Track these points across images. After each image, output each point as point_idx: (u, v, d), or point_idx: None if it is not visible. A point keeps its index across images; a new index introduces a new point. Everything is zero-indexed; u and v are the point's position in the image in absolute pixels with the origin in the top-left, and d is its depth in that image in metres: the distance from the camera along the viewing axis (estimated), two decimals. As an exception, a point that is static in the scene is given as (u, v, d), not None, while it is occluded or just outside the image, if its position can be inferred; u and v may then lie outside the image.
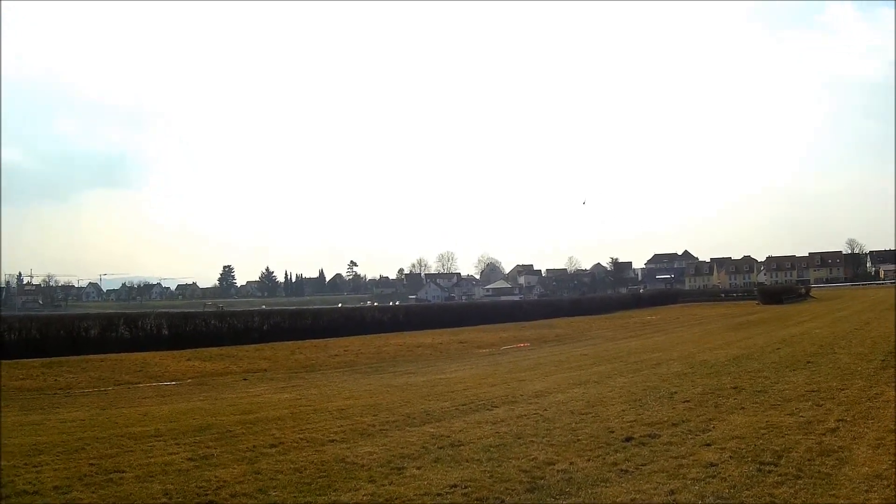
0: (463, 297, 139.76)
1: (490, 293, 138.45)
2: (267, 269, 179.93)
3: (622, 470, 6.82)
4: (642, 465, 6.94)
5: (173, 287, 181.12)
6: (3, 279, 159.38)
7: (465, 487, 6.43)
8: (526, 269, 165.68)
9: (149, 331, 29.00)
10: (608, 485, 6.37)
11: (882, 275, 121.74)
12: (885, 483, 6.07)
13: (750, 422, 8.82)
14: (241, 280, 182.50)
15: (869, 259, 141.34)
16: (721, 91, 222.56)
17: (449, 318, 44.07)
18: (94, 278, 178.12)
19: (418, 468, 7.24)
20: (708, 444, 7.70)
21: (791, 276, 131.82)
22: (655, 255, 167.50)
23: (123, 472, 7.43)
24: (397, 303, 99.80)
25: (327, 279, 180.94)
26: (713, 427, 8.63)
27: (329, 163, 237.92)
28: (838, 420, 8.66)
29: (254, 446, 8.64)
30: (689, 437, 8.17)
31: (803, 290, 70.19)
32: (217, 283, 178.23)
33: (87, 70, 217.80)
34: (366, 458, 7.80)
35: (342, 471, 7.25)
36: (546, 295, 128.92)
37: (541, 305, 67.62)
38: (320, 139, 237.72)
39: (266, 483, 6.86)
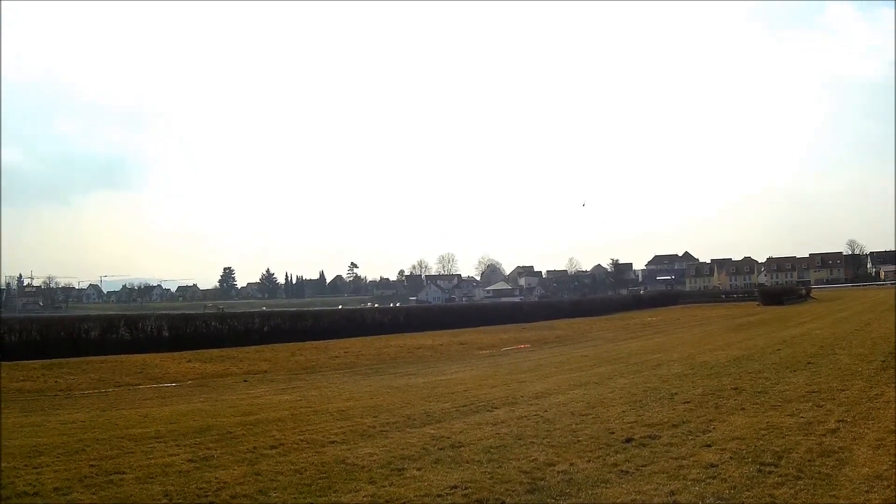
0: (463, 299, 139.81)
1: (490, 294, 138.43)
2: (267, 271, 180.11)
3: (622, 471, 6.82)
4: (643, 466, 6.94)
5: (174, 289, 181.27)
6: (3, 281, 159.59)
7: (466, 488, 6.43)
8: (526, 271, 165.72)
9: (149, 332, 29.03)
10: (608, 486, 6.37)
11: (882, 276, 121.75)
12: (886, 484, 6.06)
13: (750, 423, 8.81)
14: (241, 282, 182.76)
15: (869, 260, 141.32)
16: (721, 91, 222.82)
17: (449, 320, 44.08)
18: (95, 280, 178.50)
19: (418, 469, 7.24)
20: (708, 445, 7.70)
21: (791, 277, 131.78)
22: (656, 256, 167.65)
23: (124, 473, 7.43)
24: (398, 304, 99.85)
25: (328, 281, 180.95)
26: (713, 428, 8.63)
27: (329, 164, 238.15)
28: (839, 421, 8.66)
29: (254, 448, 8.64)
30: (690, 437, 8.17)
31: (804, 291, 70.17)
32: (217, 284, 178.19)
33: (86, 70, 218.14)
34: (366, 459, 7.80)
35: (342, 472, 7.25)
36: (546, 296, 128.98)
37: (541, 307, 67.68)
38: (320, 140, 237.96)
39: (266, 484, 6.86)
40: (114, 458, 8.26)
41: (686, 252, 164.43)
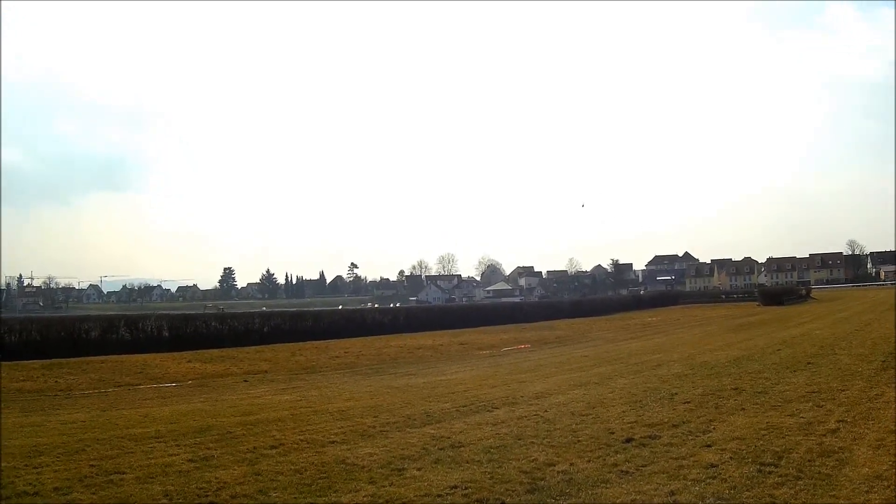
0: (463, 299, 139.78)
1: (490, 295, 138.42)
2: (267, 271, 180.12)
3: (622, 471, 6.82)
4: (643, 467, 6.94)
5: (174, 289, 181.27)
6: (3, 281, 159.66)
7: (466, 488, 6.43)
8: (526, 271, 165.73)
9: (149, 332, 29.05)
10: (608, 486, 6.37)
11: (882, 276, 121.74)
12: (886, 484, 6.06)
13: (750, 423, 8.81)
14: (241, 282, 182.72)
15: (869, 260, 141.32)
16: (721, 91, 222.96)
17: (449, 320, 44.11)
18: (95, 280, 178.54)
19: (419, 469, 7.24)
20: (708, 445, 7.70)
21: (791, 277, 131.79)
22: (656, 256, 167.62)
23: (124, 473, 7.43)
24: (398, 304, 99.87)
25: (328, 281, 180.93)
26: (713, 428, 8.63)
27: (329, 164, 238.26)
28: (839, 421, 8.66)
29: (254, 448, 8.64)
30: (690, 438, 8.17)
31: (804, 292, 70.18)
32: (217, 284, 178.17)
33: (86, 70, 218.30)
34: (366, 459, 7.81)
35: (342, 472, 7.25)
36: (546, 296, 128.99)
37: (541, 307, 67.73)
38: (321, 140, 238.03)
39: (266, 484, 6.86)
40: (114, 458, 8.26)
41: (686, 252, 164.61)
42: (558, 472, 6.88)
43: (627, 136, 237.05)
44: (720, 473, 6.54)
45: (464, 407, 11.49)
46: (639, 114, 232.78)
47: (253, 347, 27.75)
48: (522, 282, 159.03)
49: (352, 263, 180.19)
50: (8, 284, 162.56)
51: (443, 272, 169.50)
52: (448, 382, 16.19)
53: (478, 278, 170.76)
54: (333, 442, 8.92)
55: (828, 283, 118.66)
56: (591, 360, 20.53)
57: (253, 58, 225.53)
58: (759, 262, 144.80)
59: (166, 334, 29.23)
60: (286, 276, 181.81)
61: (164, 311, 59.69)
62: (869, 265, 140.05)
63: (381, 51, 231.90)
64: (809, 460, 6.89)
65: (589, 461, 7.26)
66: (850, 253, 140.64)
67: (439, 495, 6.30)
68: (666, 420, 9.29)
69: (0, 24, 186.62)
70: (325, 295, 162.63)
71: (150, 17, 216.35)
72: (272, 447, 8.67)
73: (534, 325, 42.67)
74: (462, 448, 8.15)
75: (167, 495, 6.57)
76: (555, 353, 24.63)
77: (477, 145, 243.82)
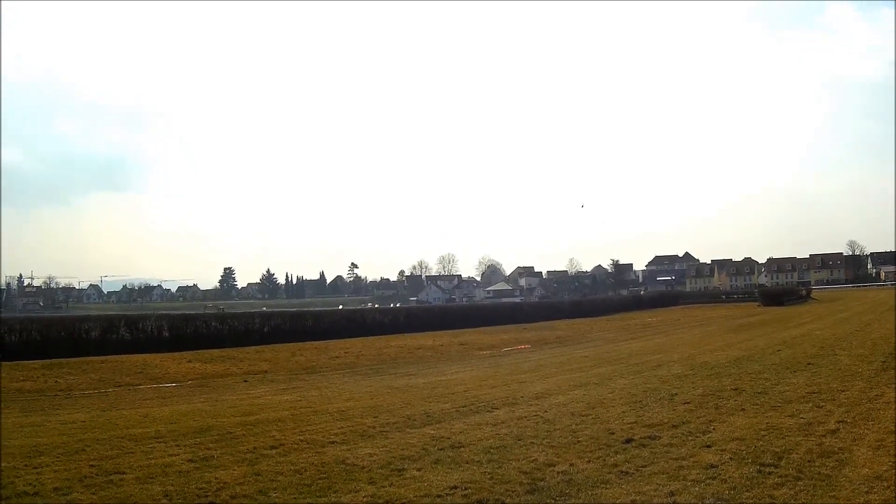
0: (464, 299, 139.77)
1: (491, 295, 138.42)
2: (268, 271, 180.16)
3: (622, 471, 6.82)
4: (642, 467, 6.94)
5: (174, 289, 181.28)
6: (3, 281, 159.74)
7: (466, 489, 6.43)
8: (527, 271, 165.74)
9: (149, 332, 29.05)
10: (608, 486, 6.37)
11: (883, 276, 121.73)
12: (886, 484, 6.07)
13: (750, 423, 8.81)
14: (241, 282, 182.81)
15: (869, 260, 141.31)
16: (721, 91, 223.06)
17: (450, 320, 44.11)
18: (95, 280, 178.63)
19: (418, 470, 7.25)
20: (708, 446, 7.70)
21: (792, 277, 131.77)
22: (656, 256, 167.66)
23: (124, 473, 7.43)
24: (398, 304, 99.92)
25: (328, 281, 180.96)
26: (713, 429, 8.63)
27: (329, 164, 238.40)
28: (839, 421, 8.66)
29: (254, 448, 8.64)
30: (690, 438, 8.17)
31: (804, 292, 70.15)
32: (218, 284, 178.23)
33: (86, 70, 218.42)
34: (366, 459, 7.81)
35: (342, 472, 7.26)
36: (547, 297, 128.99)
37: (541, 307, 67.71)
38: (321, 140, 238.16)
39: (266, 485, 6.86)
40: (114, 458, 8.26)
41: (686, 252, 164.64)
42: (558, 472, 6.88)
43: (627, 136, 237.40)
44: (720, 474, 6.54)
45: (464, 407, 11.49)
46: (639, 114, 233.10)
47: (253, 347, 27.75)
48: (522, 282, 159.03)
49: (352, 263, 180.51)
50: (8, 284, 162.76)
51: (443, 272, 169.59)
52: (448, 383, 16.19)
53: (478, 278, 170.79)
54: (333, 442, 8.93)
55: (828, 283, 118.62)
56: (592, 360, 20.53)
57: (253, 58, 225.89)
58: (760, 262, 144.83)
59: (166, 334, 29.23)
60: (286, 276, 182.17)
61: (165, 311, 59.70)
62: (869, 266, 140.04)
63: (382, 51, 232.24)
64: (809, 461, 6.89)
65: (589, 462, 7.27)
66: (851, 253, 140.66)
67: (439, 496, 6.30)
68: (666, 420, 9.29)
69: (0, 24, 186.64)
70: (326, 295, 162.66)
71: (150, 17, 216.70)
72: (272, 447, 8.67)
73: (534, 326, 42.67)
74: (462, 448, 8.15)
75: (167, 495, 6.58)
76: (555, 354, 24.63)
77: (477, 145, 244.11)
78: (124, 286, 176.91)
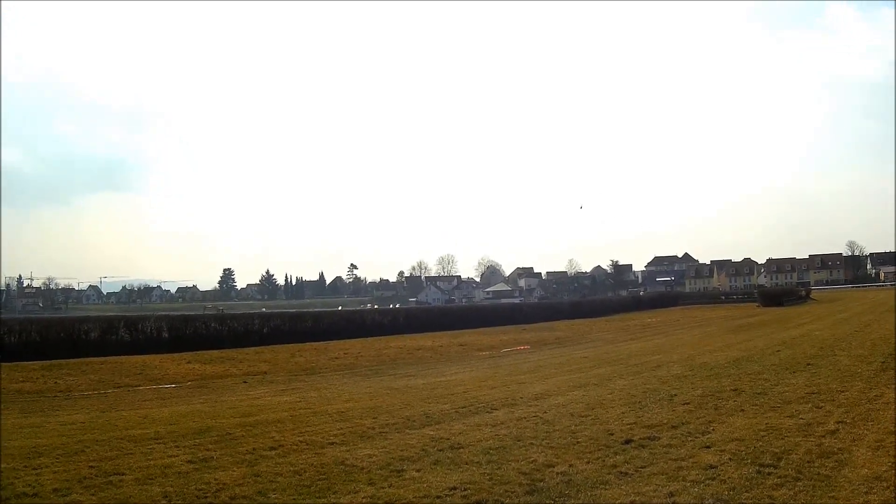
0: (463, 300, 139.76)
1: (490, 296, 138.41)
2: (267, 272, 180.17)
3: (622, 472, 6.82)
4: (642, 468, 6.94)
5: (173, 290, 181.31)
6: (3, 282, 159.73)
7: (465, 490, 6.43)
8: (526, 272, 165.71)
9: (149, 333, 29.02)
10: (608, 487, 6.37)
11: (882, 277, 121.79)
12: (885, 485, 6.07)
13: (750, 424, 8.81)
14: (241, 283, 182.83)
15: (869, 261, 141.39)
16: (721, 91, 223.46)
17: (449, 321, 44.11)
18: (95, 281, 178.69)
19: (418, 471, 7.24)
20: (707, 447, 7.70)
21: (791, 278, 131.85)
22: (656, 257, 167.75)
23: (123, 474, 7.43)
24: (397, 305, 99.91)
25: (327, 282, 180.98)
26: (713, 429, 8.63)
27: (329, 165, 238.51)
28: (838, 422, 8.66)
29: (253, 449, 8.64)
30: (689, 439, 8.17)
31: (803, 293, 70.21)
32: (217, 285, 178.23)
33: (86, 71, 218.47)
34: (365, 460, 7.81)
35: (342, 473, 7.25)
36: (546, 297, 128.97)
37: (541, 308, 67.73)
38: (320, 141, 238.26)
39: (265, 485, 6.86)
40: (113, 459, 8.26)
41: (686, 253, 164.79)
42: (557, 473, 6.88)
43: (627, 136, 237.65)
44: (719, 475, 6.54)
45: (463, 408, 11.49)
46: (638, 114, 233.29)
47: (252, 348, 27.74)
48: (522, 283, 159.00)
49: (351, 264, 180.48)
50: (8, 285, 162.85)
51: (442, 273, 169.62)
52: (447, 384, 16.19)
53: (477, 279, 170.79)
54: (332, 443, 8.92)
55: (827, 284, 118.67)
56: (591, 361, 20.53)
57: (253, 58, 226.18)
58: (759, 262, 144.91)
59: (166, 335, 29.21)
60: (286, 276, 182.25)
61: (164, 312, 59.66)
62: (869, 266, 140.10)
63: (381, 51, 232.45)
64: (809, 461, 6.89)
65: (588, 462, 7.26)
66: (850, 254, 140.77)
67: (438, 496, 6.30)
68: (665, 421, 9.29)
69: (0, 25, 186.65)
70: (325, 296, 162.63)
71: (150, 17, 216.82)
72: (271, 448, 8.67)
73: (533, 326, 42.66)
74: (461, 449, 8.15)
75: (166, 496, 6.57)
76: (554, 355, 24.63)
77: (477, 146, 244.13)
78: (124, 287, 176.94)
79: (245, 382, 18.94)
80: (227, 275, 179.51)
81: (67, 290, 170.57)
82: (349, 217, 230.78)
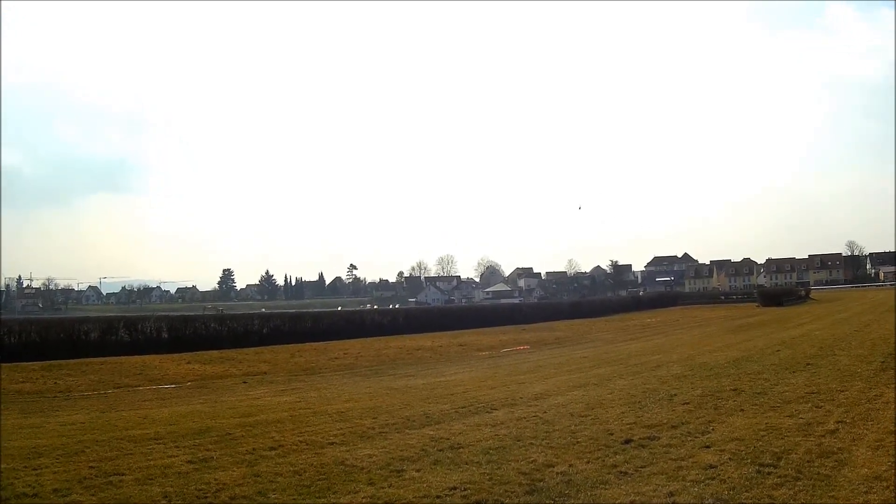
0: (462, 300, 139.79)
1: (490, 296, 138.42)
2: (266, 273, 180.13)
3: (621, 472, 6.82)
4: (642, 468, 6.94)
5: (173, 290, 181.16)
6: (3, 282, 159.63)
7: (465, 490, 6.43)
8: (526, 272, 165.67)
9: (148, 334, 28.99)
10: (607, 487, 6.38)
11: (882, 277, 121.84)
12: (885, 485, 6.07)
13: (749, 424, 8.82)
14: (240, 283, 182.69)
15: (869, 261, 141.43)
16: (721, 91, 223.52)
17: (448, 321, 44.09)
18: (94, 281, 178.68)
19: (417, 471, 7.25)
20: (707, 446, 7.71)
21: (791, 278, 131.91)
22: (655, 257, 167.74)
23: (123, 474, 7.43)
24: (397, 306, 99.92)
25: (327, 282, 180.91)
26: (713, 429, 8.64)
27: (329, 166, 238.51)
28: (838, 422, 8.67)
29: (253, 449, 8.64)
30: (689, 439, 8.17)
31: (803, 293, 70.24)
32: (217, 286, 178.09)
33: (86, 72, 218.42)
34: (365, 460, 7.81)
35: (341, 473, 7.26)
36: (546, 298, 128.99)
37: (540, 308, 67.73)
38: (320, 142, 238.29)
39: (265, 486, 6.86)
40: (113, 459, 8.25)
41: (685, 253, 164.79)
42: (557, 473, 6.88)
43: (627, 136, 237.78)
44: (719, 474, 6.54)
45: (463, 408, 11.50)
46: (638, 114, 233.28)
47: (252, 349, 27.72)
48: (521, 283, 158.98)
49: (351, 265, 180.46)
50: (7, 286, 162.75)
51: (442, 273, 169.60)
52: (447, 384, 16.19)
53: (477, 279, 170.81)
54: (332, 443, 8.92)
55: (827, 283, 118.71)
56: (591, 361, 20.53)
57: (253, 59, 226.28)
58: (759, 262, 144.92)
59: (165, 336, 29.18)
60: (285, 277, 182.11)
61: (164, 313, 59.65)
62: (868, 266, 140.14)
63: (381, 51, 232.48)
64: (808, 461, 6.90)
65: (588, 462, 7.27)
66: (850, 254, 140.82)
67: (438, 497, 6.30)
68: (665, 421, 9.29)
69: (0, 26, 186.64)
70: (325, 296, 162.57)
71: (150, 18, 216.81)
72: (271, 448, 8.67)
73: (533, 327, 42.66)
74: (461, 449, 8.15)
75: (166, 497, 6.57)
76: (554, 355, 24.63)
77: (476, 146, 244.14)
78: (123, 287, 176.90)
79: (245, 383, 18.93)
80: (227, 275, 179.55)
81: (67, 291, 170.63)
82: (349, 217, 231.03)
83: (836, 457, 7.03)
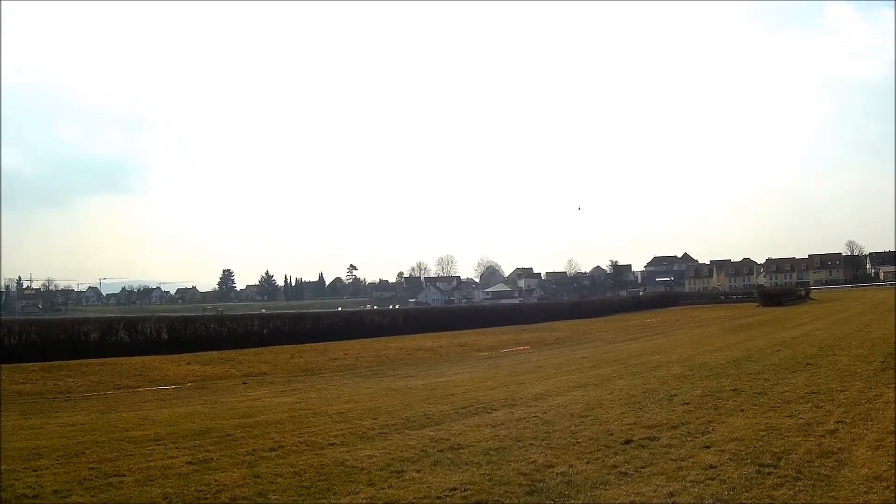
0: (462, 301, 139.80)
1: (490, 296, 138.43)
2: (266, 273, 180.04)
3: (621, 472, 6.82)
4: (641, 468, 6.94)
5: (173, 291, 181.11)
6: (3, 283, 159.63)
7: (465, 490, 6.43)
8: (525, 273, 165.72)
9: (148, 335, 28.96)
10: (607, 487, 6.38)
11: (882, 276, 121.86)
12: (885, 485, 6.07)
13: (749, 424, 8.82)
14: (240, 284, 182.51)
15: (868, 261, 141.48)
16: (721, 91, 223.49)
17: (448, 322, 44.07)
18: (94, 282, 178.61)
19: (417, 471, 7.25)
20: (707, 447, 7.71)
21: (791, 278, 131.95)
22: (655, 257, 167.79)
23: (123, 475, 7.43)
24: (397, 306, 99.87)
25: (327, 283, 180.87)
26: (713, 429, 8.64)
27: (329, 166, 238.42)
28: (838, 422, 8.67)
29: (253, 450, 8.64)
30: (689, 439, 8.18)
31: (803, 293, 70.24)
32: (217, 287, 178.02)
33: (87, 73, 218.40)
34: (365, 461, 7.81)
35: (341, 474, 7.26)
36: (546, 298, 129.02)
37: (540, 308, 67.73)
38: (320, 142, 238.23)
39: (265, 487, 6.86)
40: (113, 460, 8.25)
41: (685, 253, 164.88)
42: (557, 473, 6.88)
43: (627, 136, 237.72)
44: (719, 475, 6.54)
45: (463, 409, 11.50)
46: (638, 114, 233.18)
47: (252, 349, 27.69)
48: (521, 283, 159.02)
49: (351, 265, 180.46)
50: (7, 287, 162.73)
51: (442, 274, 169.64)
52: (447, 384, 16.19)
53: (477, 280, 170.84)
54: (332, 444, 8.92)
55: (827, 283, 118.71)
56: (591, 361, 20.53)
57: (253, 59, 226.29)
58: (759, 262, 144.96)
59: (165, 336, 29.14)
60: (285, 278, 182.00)
61: (164, 314, 59.68)
62: (868, 266, 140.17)
63: (381, 51, 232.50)
64: (808, 461, 6.90)
65: (588, 463, 7.27)
66: (850, 254, 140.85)
67: (438, 497, 6.30)
68: (665, 421, 9.29)
69: (0, 26, 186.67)
70: (325, 297, 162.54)
71: (150, 18, 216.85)
72: (271, 449, 8.67)
73: (533, 327, 42.65)
74: (461, 450, 8.15)
75: (166, 498, 6.58)
76: (554, 355, 24.63)
77: (476, 147, 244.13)
78: (123, 288, 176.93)
79: (245, 383, 18.93)
80: (227, 276, 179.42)
81: (67, 292, 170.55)
82: (349, 218, 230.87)
83: (836, 457, 7.03)
